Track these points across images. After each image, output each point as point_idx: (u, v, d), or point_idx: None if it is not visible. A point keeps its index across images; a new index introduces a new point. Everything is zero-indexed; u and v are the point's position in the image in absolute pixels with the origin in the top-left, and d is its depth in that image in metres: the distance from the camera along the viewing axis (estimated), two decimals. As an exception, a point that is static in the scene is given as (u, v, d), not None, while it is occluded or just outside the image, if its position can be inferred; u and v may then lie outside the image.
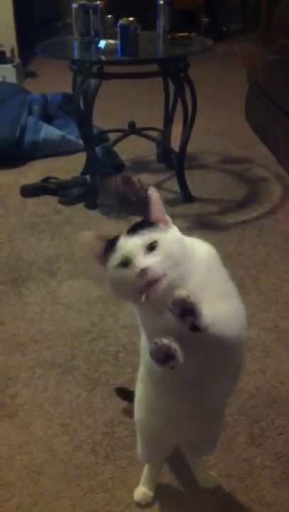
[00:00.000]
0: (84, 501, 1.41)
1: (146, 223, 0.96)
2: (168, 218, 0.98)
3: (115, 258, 0.94)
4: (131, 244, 0.93)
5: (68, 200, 2.87)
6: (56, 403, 1.69)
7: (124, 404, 1.61)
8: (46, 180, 3.03)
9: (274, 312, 2.06)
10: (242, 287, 2.18)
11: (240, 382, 1.72)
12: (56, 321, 2.04)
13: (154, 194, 0.97)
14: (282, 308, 2.08)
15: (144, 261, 0.91)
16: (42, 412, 1.66)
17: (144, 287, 0.91)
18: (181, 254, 0.95)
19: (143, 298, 0.91)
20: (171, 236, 0.95)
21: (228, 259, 2.38)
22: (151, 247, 0.92)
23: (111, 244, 0.96)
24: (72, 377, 1.78)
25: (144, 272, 0.90)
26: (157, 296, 0.91)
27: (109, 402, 1.68)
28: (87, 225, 2.67)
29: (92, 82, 2.75)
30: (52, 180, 3.03)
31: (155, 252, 0.92)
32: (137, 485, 1.42)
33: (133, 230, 0.95)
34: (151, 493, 1.39)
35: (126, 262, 0.93)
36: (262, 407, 1.66)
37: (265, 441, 1.55)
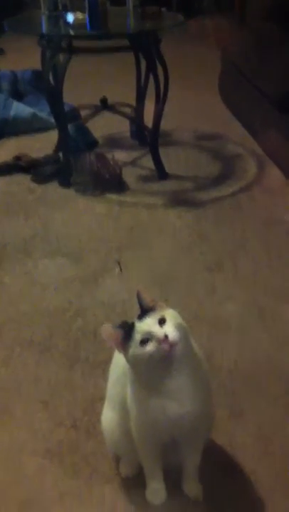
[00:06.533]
0: (66, 476, 1.41)
1: (147, 309, 1.16)
2: (156, 301, 1.18)
3: (136, 339, 1.12)
4: (146, 324, 1.13)
5: (41, 179, 2.84)
6: (36, 381, 1.69)
7: (104, 380, 1.61)
8: (18, 158, 2.99)
9: (252, 289, 2.07)
10: (220, 265, 2.20)
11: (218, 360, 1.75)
12: (33, 301, 2.03)
13: (140, 289, 1.17)
14: (260, 285, 2.09)
15: (163, 330, 1.12)
16: (22, 391, 1.66)
17: (168, 349, 1.11)
18: (184, 327, 1.15)
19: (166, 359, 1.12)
20: (171, 311, 1.17)
21: (204, 237, 2.38)
22: (161, 321, 1.13)
23: (128, 331, 1.14)
24: (51, 355, 1.78)
25: (166, 337, 1.11)
26: (175, 356, 1.12)
27: (89, 378, 1.69)
28: (62, 204, 2.64)
29: (62, 57, 2.71)
30: (24, 159, 2.98)
31: (166, 324, 1.13)
32: (118, 460, 1.42)
33: (142, 316, 1.15)
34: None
35: (145, 340, 1.12)
36: (240, 383, 1.67)
37: (244, 417, 1.56)
